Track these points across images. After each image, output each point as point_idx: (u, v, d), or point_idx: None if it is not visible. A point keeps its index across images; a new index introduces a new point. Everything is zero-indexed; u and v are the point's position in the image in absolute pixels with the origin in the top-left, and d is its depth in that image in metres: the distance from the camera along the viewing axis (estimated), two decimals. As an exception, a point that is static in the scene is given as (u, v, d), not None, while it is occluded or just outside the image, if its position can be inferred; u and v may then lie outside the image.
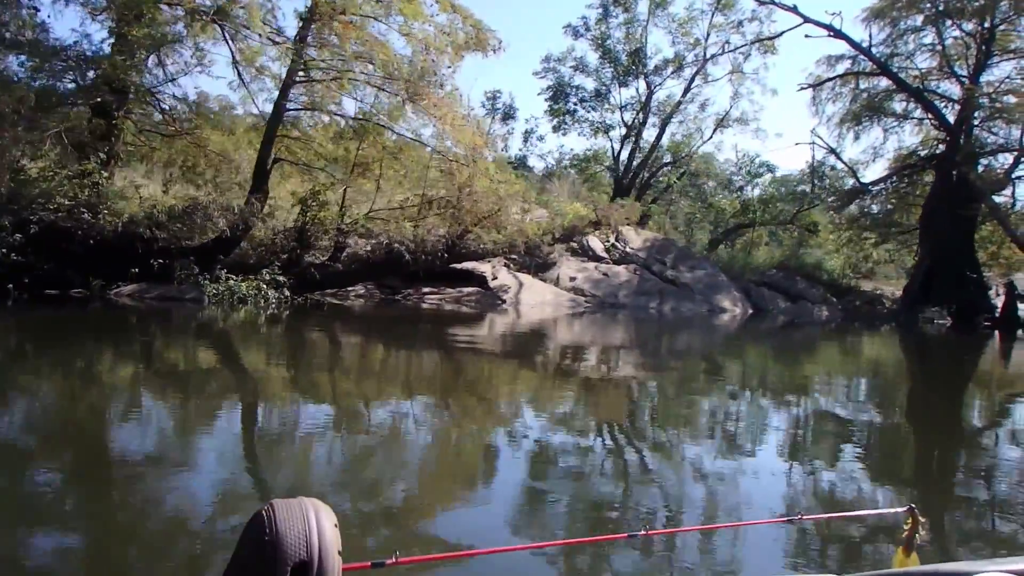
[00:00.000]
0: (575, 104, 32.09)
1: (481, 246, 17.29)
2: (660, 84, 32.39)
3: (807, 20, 25.26)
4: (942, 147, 27.47)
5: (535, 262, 21.05)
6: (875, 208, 28.86)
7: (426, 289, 18.75)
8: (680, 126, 32.99)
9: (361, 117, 14.95)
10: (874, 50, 29.06)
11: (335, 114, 15.05)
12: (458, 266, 19.00)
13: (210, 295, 13.07)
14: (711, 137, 32.58)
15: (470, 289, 19.10)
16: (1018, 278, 33.41)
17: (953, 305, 25.98)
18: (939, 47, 28.82)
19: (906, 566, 1.82)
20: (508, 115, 32.17)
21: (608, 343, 14.41)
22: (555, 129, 33.32)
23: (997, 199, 28.86)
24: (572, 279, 21.32)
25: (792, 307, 25.08)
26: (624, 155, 32.59)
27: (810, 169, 30.06)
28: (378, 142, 15.32)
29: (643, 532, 2.12)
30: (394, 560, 1.45)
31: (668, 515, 3.90)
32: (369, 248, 16.99)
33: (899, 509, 1.97)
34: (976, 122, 27.10)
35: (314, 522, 1.09)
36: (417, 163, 15.37)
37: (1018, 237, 27.58)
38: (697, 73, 32.07)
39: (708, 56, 31.72)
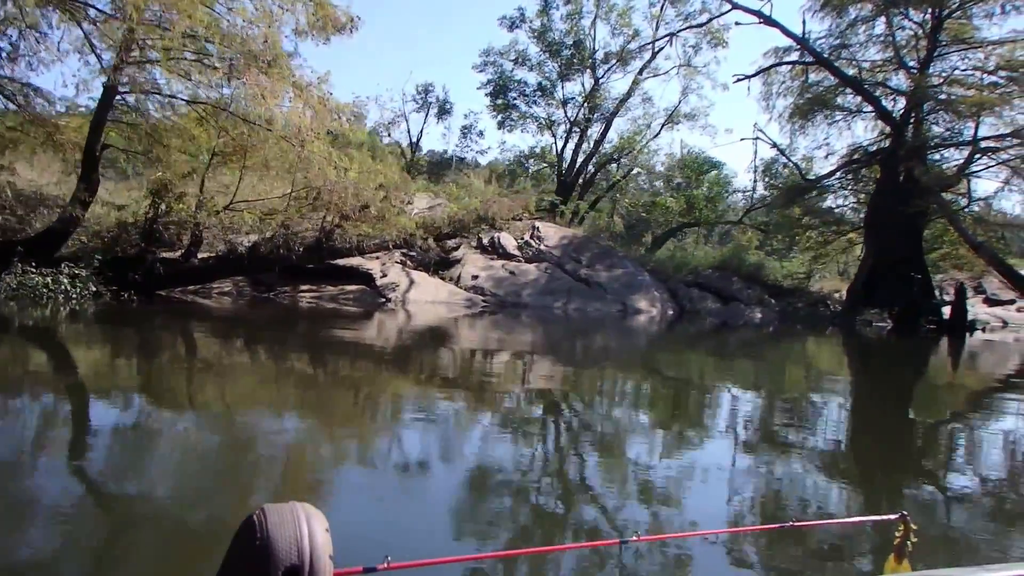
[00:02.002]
0: (516, 99, 31.01)
1: (365, 242, 16.22)
2: (605, 78, 31.35)
3: (736, 6, 24.09)
4: (888, 142, 26.24)
5: (433, 259, 19.99)
6: (820, 206, 27.58)
7: (305, 287, 17.72)
8: (628, 123, 31.94)
9: (203, 101, 13.91)
10: (823, 42, 27.93)
11: (175, 97, 14.02)
12: (342, 262, 17.98)
13: (3, 289, 12.06)
14: (659, 133, 31.50)
15: (353, 287, 18.05)
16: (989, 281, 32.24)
17: (895, 307, 24.70)
18: (890, 38, 27.66)
19: (898, 573, 1.89)
20: (444, 110, 31.11)
21: (477, 345, 13.26)
22: (500, 125, 32.28)
23: (955, 197, 27.66)
24: (475, 277, 20.24)
25: (723, 309, 23.88)
26: (568, 152, 31.54)
27: (754, 166, 28.84)
28: (227, 128, 14.28)
29: (634, 538, 2.05)
30: (386, 565, 1.44)
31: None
32: (229, 243, 15.98)
33: (891, 516, 1.97)
34: (922, 115, 25.84)
35: (305, 527, 1.10)
36: (280, 152, 14.33)
37: (970, 236, 26.27)
38: (645, 67, 31.00)
39: (656, 50, 30.67)
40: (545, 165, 32.65)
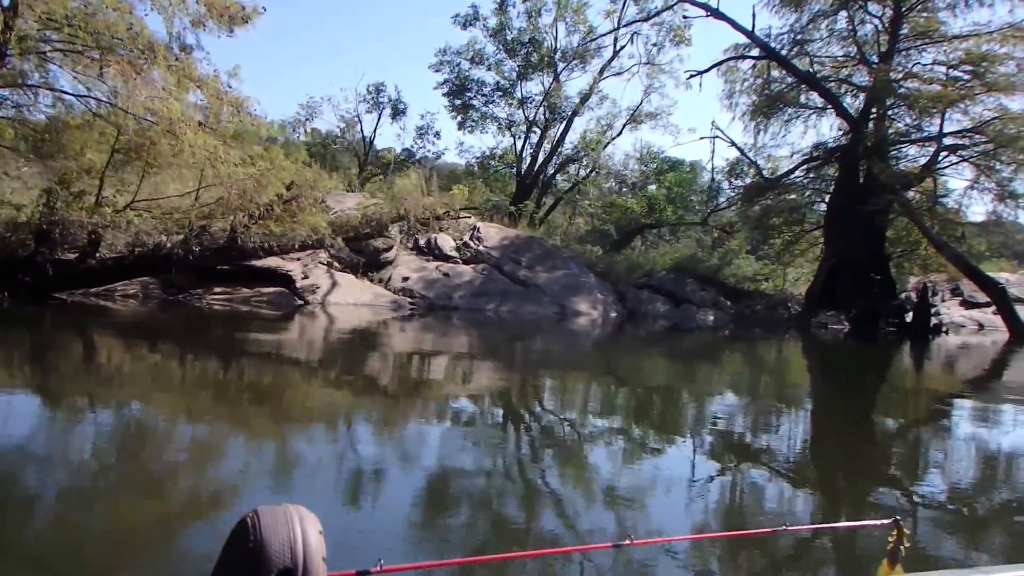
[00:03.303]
0: (473, 98, 30.40)
1: (271, 242, 15.63)
2: (565, 77, 30.72)
3: (683, -1, 23.44)
4: (848, 139, 25.49)
5: (362, 261, 19.35)
6: (781, 205, 26.80)
7: (218, 289, 17.09)
8: (590, 123, 31.29)
9: (72, 94, 13.31)
10: (784, 37, 27.26)
11: (57, 91, 13.46)
12: (259, 264, 17.36)
13: None
14: (621, 133, 30.82)
15: (270, 289, 17.39)
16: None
17: (852, 309, 23.93)
18: (852, 33, 26.97)
19: None
20: (397, 110, 30.52)
21: (389, 351, 12.64)
22: (460, 126, 31.66)
23: (919, 196, 26.85)
24: (405, 279, 19.58)
25: (673, 311, 23.17)
26: (527, 152, 30.89)
27: (712, 165, 28.12)
28: (119, 125, 13.68)
29: (628, 541, 1.97)
30: (378, 568, 1.46)
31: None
32: (131, 244, 15.37)
33: (884, 521, 2.00)
34: (880, 111, 25.10)
35: (299, 529, 1.10)
36: (171, 149, 13.74)
37: (933, 235, 25.48)
38: (606, 66, 30.37)
39: (618, 48, 30.03)
40: (504, 167, 32.00)
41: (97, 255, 15.19)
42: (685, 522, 4.11)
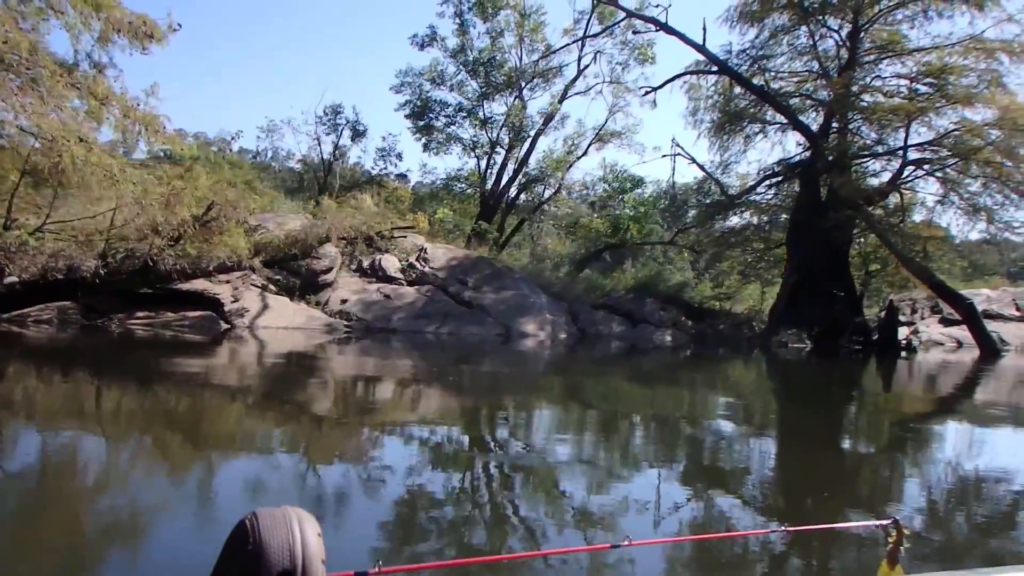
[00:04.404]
0: (433, 119, 30.08)
1: (183, 263, 15.11)
2: (529, 97, 30.42)
3: (631, 14, 23.10)
4: (809, 155, 25.04)
5: (299, 283, 18.83)
6: (739, 223, 26.33)
7: (140, 313, 16.55)
8: (556, 142, 30.96)
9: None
10: (747, 53, 26.94)
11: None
12: (185, 287, 16.85)
13: None
14: (586, 152, 30.43)
15: (196, 313, 16.85)
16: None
17: (815, 327, 23.29)
18: (813, 48, 26.66)
19: None
20: (357, 132, 30.19)
21: (305, 378, 12.06)
22: (425, 148, 31.31)
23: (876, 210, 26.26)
24: (344, 301, 19.05)
25: (629, 331, 22.56)
26: (492, 173, 30.50)
27: (672, 182, 27.64)
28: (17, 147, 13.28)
29: (625, 543, 1.96)
30: (377, 570, 1.47)
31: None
32: (43, 267, 14.89)
33: (884, 522, 1.99)
34: (842, 125, 24.68)
35: (298, 531, 1.10)
36: (83, 170, 13.30)
37: (899, 251, 24.92)
38: (570, 85, 30.09)
39: (582, 67, 29.77)
40: (469, 187, 31.61)
41: (5, 279, 14.72)
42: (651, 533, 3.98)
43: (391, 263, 20.66)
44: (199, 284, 17.02)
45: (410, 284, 20.46)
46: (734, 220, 26.66)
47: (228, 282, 17.59)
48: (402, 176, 32.62)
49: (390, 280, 20.34)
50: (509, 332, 19.56)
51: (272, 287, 18.56)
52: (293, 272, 18.81)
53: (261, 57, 75.59)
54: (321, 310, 18.60)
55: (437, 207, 29.44)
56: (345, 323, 18.15)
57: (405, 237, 18.71)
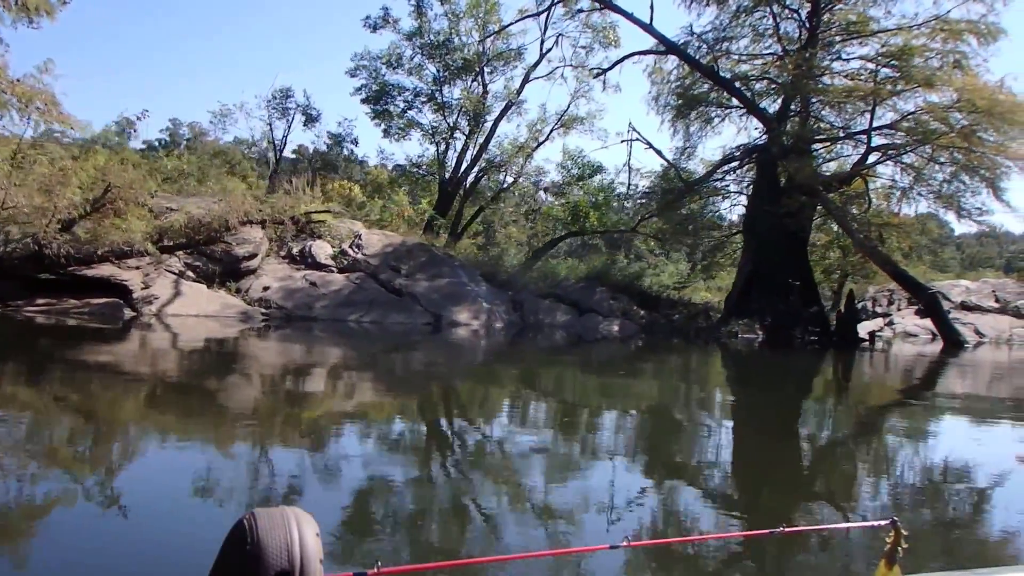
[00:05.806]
0: (390, 104, 29.28)
1: (85, 249, 14.48)
2: (490, 81, 29.60)
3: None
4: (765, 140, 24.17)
5: (218, 270, 18.15)
6: (698, 210, 25.45)
7: (41, 300, 15.91)
8: (519, 128, 30.15)
9: None
10: (708, 35, 26.04)
11: None
12: (90, 272, 16.18)
13: None
14: (548, 138, 29.60)
15: (100, 300, 16.20)
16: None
17: (767, 317, 22.49)
18: (776, 30, 25.74)
19: None
20: (310, 117, 29.37)
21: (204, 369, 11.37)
22: (385, 133, 30.51)
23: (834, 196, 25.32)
24: (266, 288, 18.37)
25: (575, 321, 21.82)
26: (452, 159, 29.71)
27: (628, 167, 26.77)
28: None
29: (624, 543, 1.95)
30: (376, 570, 1.44)
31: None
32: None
33: (882, 522, 1.98)
34: (801, 108, 23.80)
35: (296, 531, 1.09)
36: None
37: (858, 238, 24.07)
38: (531, 69, 29.25)
39: (544, 50, 28.92)
40: (428, 174, 30.83)
41: None
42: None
43: (322, 249, 19.97)
44: (105, 270, 16.35)
45: (341, 271, 19.78)
46: (695, 207, 25.77)
47: (138, 268, 16.93)
48: (360, 162, 31.83)
49: (320, 267, 19.65)
50: (439, 321, 18.86)
51: (191, 273, 17.90)
52: (213, 258, 18.13)
53: (208, 37, 74.39)
54: (240, 298, 17.93)
55: (392, 194, 28.70)
56: (263, 311, 17.48)
57: (324, 222, 17.97)
